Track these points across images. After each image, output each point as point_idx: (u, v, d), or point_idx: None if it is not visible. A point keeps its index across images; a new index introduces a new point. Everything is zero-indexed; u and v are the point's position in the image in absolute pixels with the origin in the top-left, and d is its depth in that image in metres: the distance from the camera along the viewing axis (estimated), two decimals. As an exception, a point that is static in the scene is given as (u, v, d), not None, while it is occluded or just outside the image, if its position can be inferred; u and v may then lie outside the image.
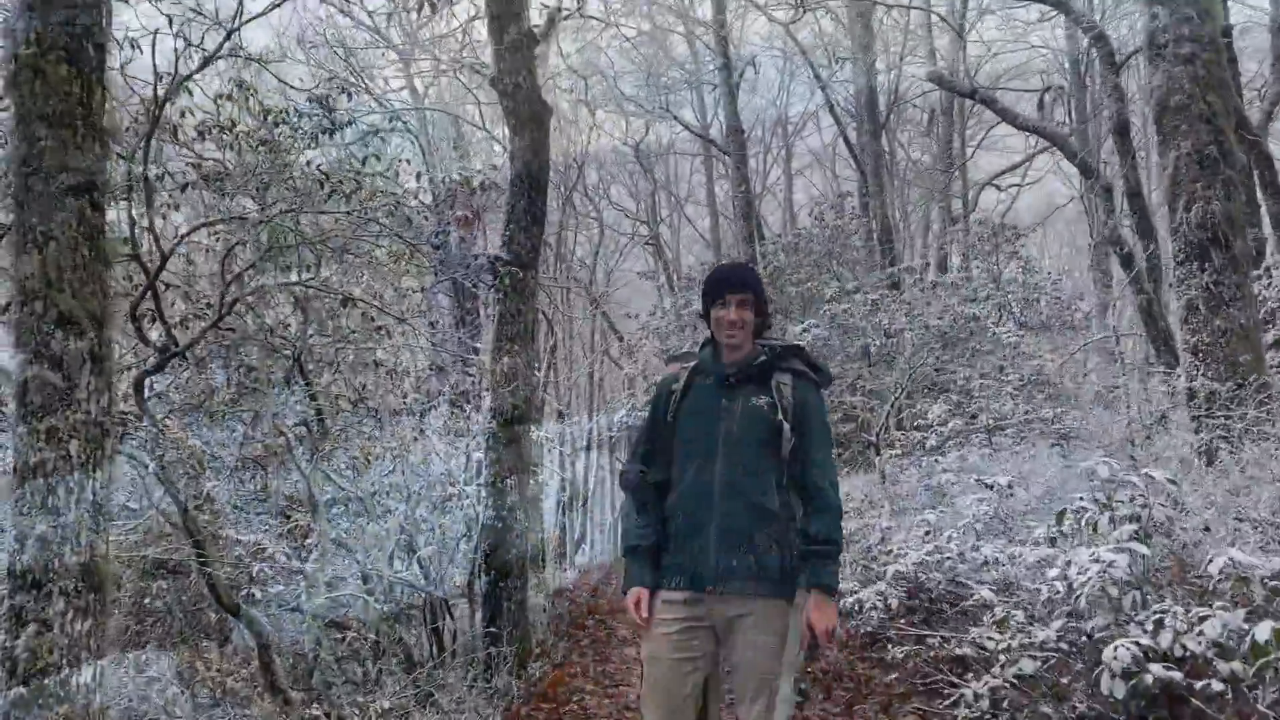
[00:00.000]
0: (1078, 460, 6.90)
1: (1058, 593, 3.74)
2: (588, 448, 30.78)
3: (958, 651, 4.72)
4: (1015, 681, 3.80)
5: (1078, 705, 3.81)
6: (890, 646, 5.32)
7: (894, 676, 5.50)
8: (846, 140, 22.64)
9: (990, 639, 3.87)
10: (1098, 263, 20.60)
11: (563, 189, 21.35)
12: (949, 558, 5.65)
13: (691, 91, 27.68)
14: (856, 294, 11.12)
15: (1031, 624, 3.90)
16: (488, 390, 9.26)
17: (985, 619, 4.19)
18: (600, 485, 34.86)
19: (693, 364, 3.53)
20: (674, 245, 35.08)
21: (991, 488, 6.12)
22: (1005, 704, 3.90)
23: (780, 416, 3.25)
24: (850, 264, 15.04)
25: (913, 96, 26.16)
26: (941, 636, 5.08)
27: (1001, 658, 3.87)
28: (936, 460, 8.43)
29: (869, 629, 6.10)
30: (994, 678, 3.92)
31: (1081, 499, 4.16)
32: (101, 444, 3.32)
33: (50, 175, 3.30)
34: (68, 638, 3.15)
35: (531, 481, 9.26)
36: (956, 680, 4.53)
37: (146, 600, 6.96)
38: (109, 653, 3.40)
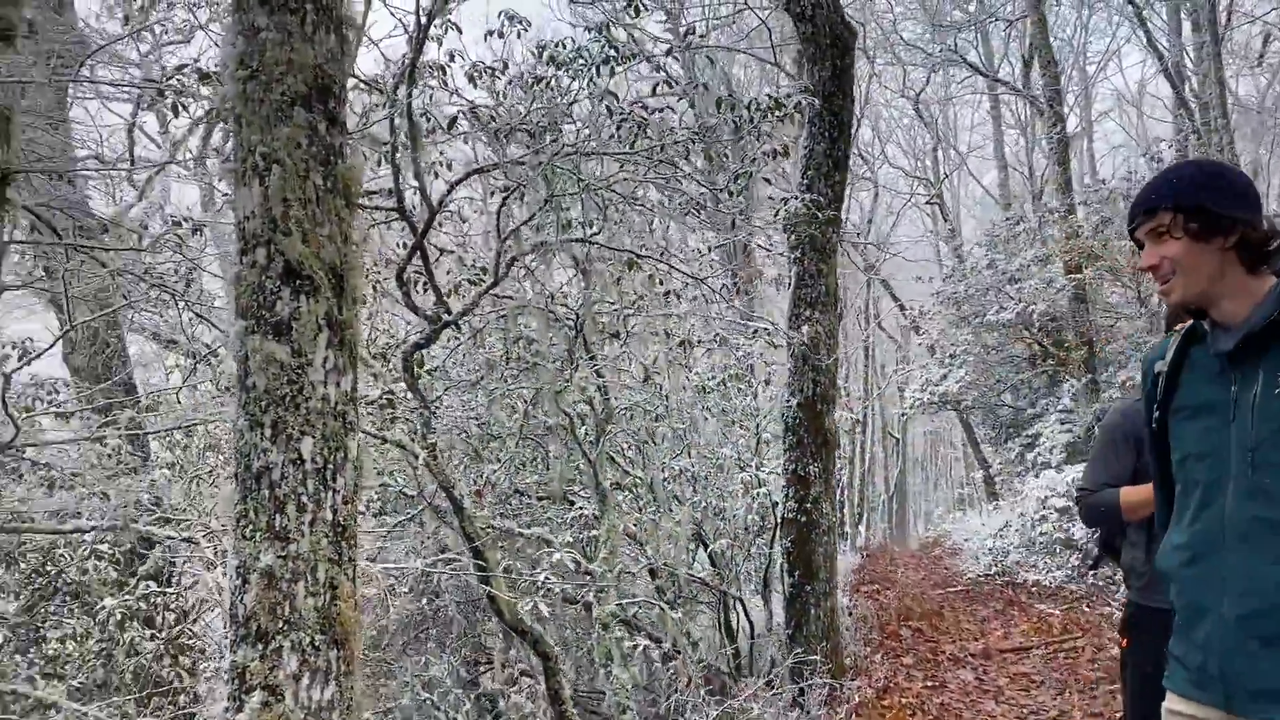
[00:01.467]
0: None
1: None
2: (863, 425, 29.28)
3: None
4: None
5: None
6: None
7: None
8: (1168, 74, 19.58)
9: None
10: None
11: (840, 146, 19.77)
12: None
13: (975, 33, 25.24)
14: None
15: None
16: (782, 364, 8.16)
17: None
18: (873, 461, 33.37)
19: (1187, 327, 2.14)
20: (954, 207, 32.56)
21: None
22: None
23: None
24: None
25: (1244, 17, 22.43)
26: None
27: None
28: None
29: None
30: None
31: None
32: (343, 443, 2.43)
33: (272, 78, 2.44)
34: (303, 710, 2.29)
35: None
36: None
37: (425, 600, 6.42)
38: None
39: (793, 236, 7.22)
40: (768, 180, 5.89)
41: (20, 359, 5.70)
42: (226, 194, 6.35)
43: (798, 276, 7.33)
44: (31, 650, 6.62)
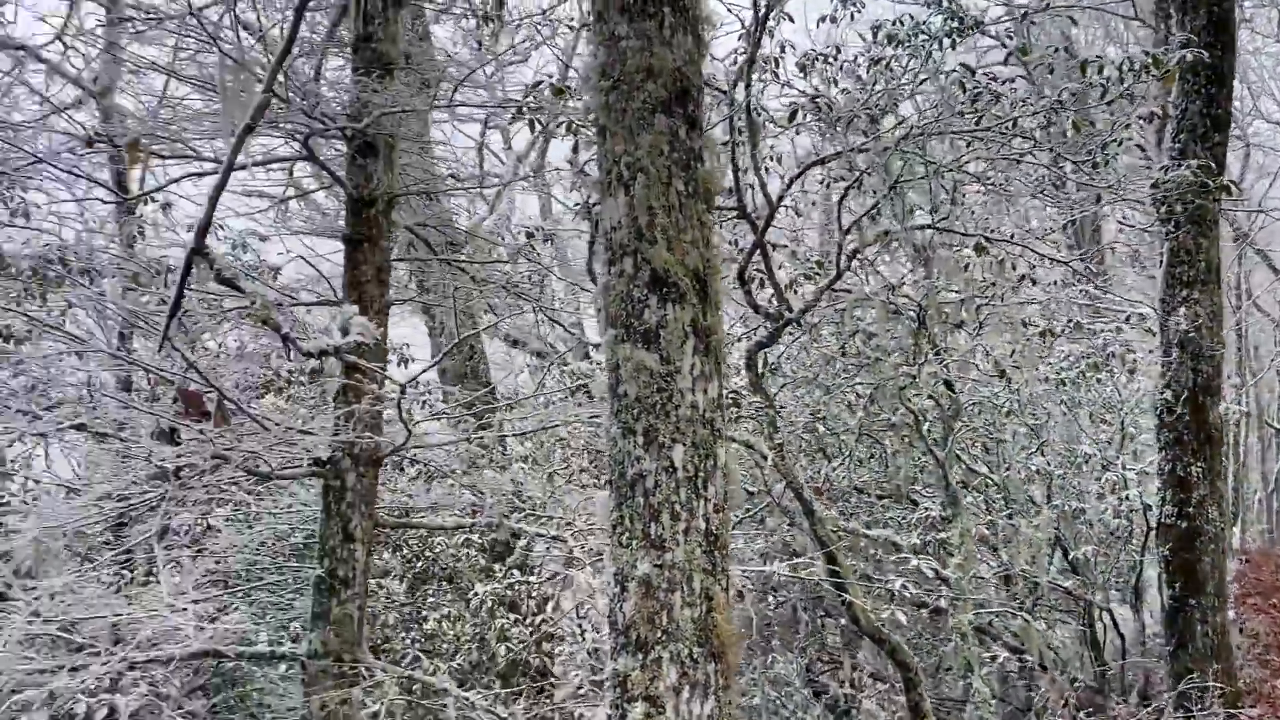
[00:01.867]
0: None
1: None
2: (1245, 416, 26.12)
3: None
4: None
5: None
6: None
7: None
8: None
9: None
10: None
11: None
12: None
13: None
14: None
15: None
16: (1151, 351, 7.33)
17: None
18: (1248, 454, 29.65)
19: None
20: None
21: None
22: None
23: None
24: None
25: None
26: None
27: None
28: None
29: None
30: None
31: None
32: (713, 450, 2.38)
33: (633, 86, 2.44)
34: (683, 724, 2.26)
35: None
36: None
37: (769, 599, 6.38)
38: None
39: (1164, 209, 6.45)
40: (1141, 148, 5.26)
41: (399, 364, 6.30)
42: (570, 204, 6.66)
43: (1171, 253, 6.55)
44: (413, 629, 7.32)
